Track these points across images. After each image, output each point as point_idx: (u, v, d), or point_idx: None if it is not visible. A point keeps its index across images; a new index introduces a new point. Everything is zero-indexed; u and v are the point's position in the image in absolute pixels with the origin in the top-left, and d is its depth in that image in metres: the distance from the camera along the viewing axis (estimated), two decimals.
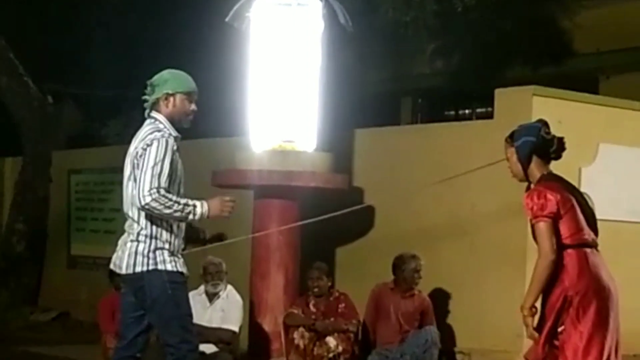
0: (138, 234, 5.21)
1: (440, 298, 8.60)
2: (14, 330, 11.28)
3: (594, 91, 12.12)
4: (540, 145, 5.02)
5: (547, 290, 4.92)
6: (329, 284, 8.29)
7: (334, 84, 9.76)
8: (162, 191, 5.08)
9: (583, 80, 12.91)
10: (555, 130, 8.27)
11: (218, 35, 11.11)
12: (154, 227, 5.22)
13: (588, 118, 8.67)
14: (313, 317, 8.07)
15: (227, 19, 8.66)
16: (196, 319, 8.05)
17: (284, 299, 8.45)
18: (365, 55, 13.73)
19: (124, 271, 5.28)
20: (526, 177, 5.07)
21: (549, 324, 4.87)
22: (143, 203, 5.06)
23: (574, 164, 8.49)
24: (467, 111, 16.45)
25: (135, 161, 5.18)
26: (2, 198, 14.09)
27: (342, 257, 9.44)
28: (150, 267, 5.18)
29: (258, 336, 8.51)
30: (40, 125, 13.36)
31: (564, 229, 4.90)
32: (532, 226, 4.95)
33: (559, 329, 4.87)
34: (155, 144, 5.15)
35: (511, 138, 5.12)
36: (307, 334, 7.92)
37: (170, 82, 5.38)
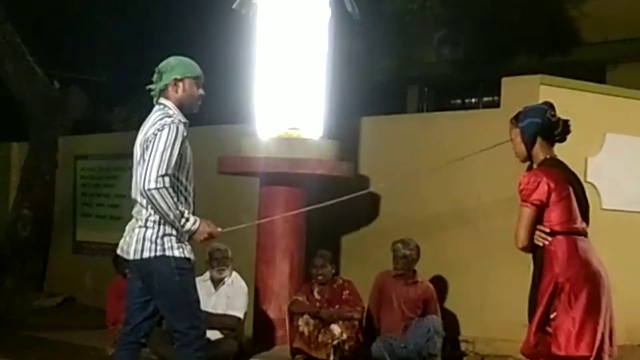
0: (146, 219, 5.22)
1: (445, 286, 8.61)
2: (19, 316, 11.31)
3: (601, 80, 12.10)
4: (546, 127, 5.02)
5: (537, 277, 4.92)
6: (333, 271, 8.31)
7: (341, 71, 9.75)
8: (168, 183, 5.07)
9: (590, 69, 12.87)
10: None
11: (225, 22, 11.10)
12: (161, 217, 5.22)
13: (595, 107, 8.65)
14: (317, 304, 8.09)
15: (234, 6, 8.65)
16: (201, 305, 8.11)
17: (289, 286, 8.46)
18: (372, 43, 13.72)
19: (131, 257, 5.29)
20: (529, 158, 5.07)
21: (540, 310, 4.87)
22: (147, 187, 5.06)
23: (580, 153, 8.48)
24: (473, 100, 16.42)
25: (146, 144, 5.19)
26: (8, 183, 14.10)
27: (347, 245, 9.45)
28: (158, 253, 5.18)
29: (263, 323, 8.52)
30: (46, 110, 13.37)
31: (555, 215, 4.89)
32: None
33: (551, 316, 4.86)
34: (166, 129, 5.15)
35: (516, 119, 5.12)
36: (311, 321, 7.93)
37: (177, 67, 5.39)
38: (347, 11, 8.64)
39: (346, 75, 11.24)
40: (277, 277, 8.51)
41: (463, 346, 8.55)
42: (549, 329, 4.88)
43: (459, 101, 16.87)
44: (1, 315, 11.15)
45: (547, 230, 4.90)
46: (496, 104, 9.00)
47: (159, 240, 5.19)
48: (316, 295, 8.16)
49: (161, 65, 5.43)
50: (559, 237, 4.89)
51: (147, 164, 5.10)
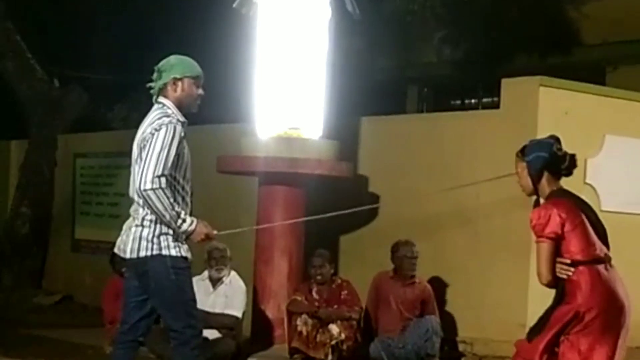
0: (143, 218, 5.21)
1: (444, 287, 8.61)
2: (17, 313, 11.31)
3: (601, 82, 12.09)
4: (552, 161, 5.00)
5: (558, 300, 4.90)
6: (332, 271, 8.30)
7: (341, 71, 9.76)
8: (164, 183, 5.07)
9: (590, 70, 12.88)
10: (561, 121, 8.31)
11: (225, 21, 11.10)
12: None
13: (594, 109, 8.65)
14: (316, 304, 8.09)
15: (234, 5, 8.65)
16: (199, 305, 8.05)
17: (288, 286, 8.46)
18: (372, 43, 13.73)
19: (128, 255, 5.29)
20: (536, 192, 5.05)
21: (552, 332, 4.85)
22: (143, 187, 5.05)
23: (579, 155, 8.37)
24: (473, 101, 16.40)
25: (143, 144, 5.18)
26: (7, 181, 14.10)
27: (345, 245, 9.45)
28: (154, 252, 5.18)
29: (261, 322, 8.52)
30: (46, 108, 13.36)
31: (574, 245, 4.86)
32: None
33: (562, 338, 4.85)
34: (163, 129, 5.14)
35: (522, 153, 5.11)
36: (310, 321, 7.93)
37: (177, 66, 5.38)
38: (347, 11, 8.64)
39: (346, 75, 11.25)
40: (275, 277, 8.51)
41: (461, 347, 8.55)
42: (557, 349, 4.88)
43: (458, 102, 16.86)
44: None
45: (568, 261, 4.87)
46: (496, 105, 9.01)
47: (155, 239, 5.18)
48: (315, 295, 8.16)
49: (161, 64, 5.43)
50: (582, 267, 4.85)
51: (144, 164, 5.09)
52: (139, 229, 5.23)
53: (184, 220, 5.17)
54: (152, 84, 5.42)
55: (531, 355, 4.90)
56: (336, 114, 9.09)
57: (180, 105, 5.35)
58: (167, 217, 5.10)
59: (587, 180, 8.54)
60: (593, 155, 8.59)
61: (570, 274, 4.86)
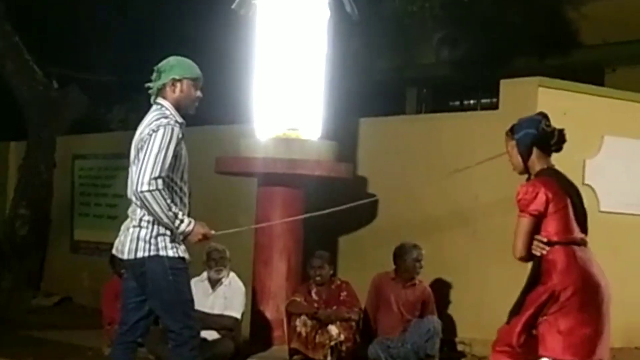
0: (140, 219, 5.21)
1: (442, 288, 8.61)
2: (16, 315, 11.30)
3: (600, 83, 12.10)
4: (541, 137, 5.02)
5: (532, 283, 4.91)
6: (331, 272, 8.30)
7: (340, 72, 9.76)
8: (161, 185, 5.07)
9: (589, 71, 12.89)
10: (560, 122, 8.28)
11: (224, 22, 11.09)
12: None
13: (593, 110, 8.66)
14: (315, 305, 8.09)
15: (233, 6, 8.65)
16: (198, 306, 8.06)
17: (287, 287, 8.46)
18: (371, 44, 13.72)
19: (125, 256, 5.29)
20: (526, 170, 5.07)
21: (528, 312, 4.85)
22: (140, 189, 5.06)
23: (578, 156, 8.48)
24: (472, 102, 16.43)
25: (140, 144, 5.18)
26: (6, 182, 14.10)
27: (344, 246, 9.45)
28: (152, 253, 5.18)
29: (260, 323, 8.52)
30: (44, 109, 13.36)
31: (553, 226, 4.88)
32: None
33: (540, 319, 4.85)
34: (161, 130, 5.14)
35: (512, 131, 5.13)
36: (309, 322, 7.93)
37: (177, 67, 5.38)
38: (346, 12, 8.64)
39: (345, 76, 11.25)
40: (274, 278, 8.51)
41: (460, 347, 8.55)
42: (535, 332, 4.88)
43: (457, 103, 16.88)
44: None
45: (545, 240, 4.88)
46: (495, 106, 9.01)
47: (152, 240, 5.18)
48: (314, 296, 8.16)
49: (160, 64, 5.42)
50: (557, 246, 4.88)
51: (141, 166, 5.09)
52: (137, 229, 5.23)
53: (181, 221, 5.17)
54: (150, 84, 5.42)
55: (509, 339, 4.92)
56: (335, 115, 9.09)
57: (178, 107, 5.35)
58: (164, 218, 5.10)
59: (586, 181, 8.54)
60: (592, 156, 8.60)
61: (545, 252, 4.88)
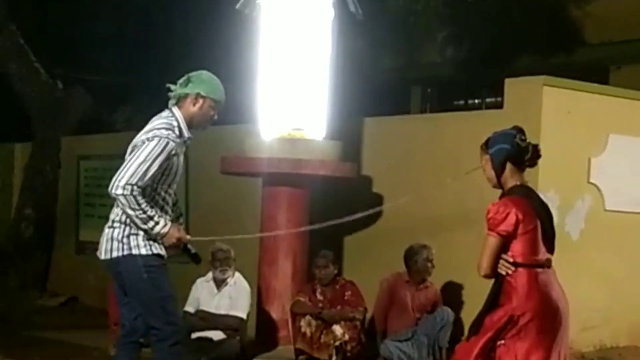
0: (113, 220, 5.28)
1: (448, 287, 8.60)
2: (22, 315, 11.31)
3: (605, 81, 12.08)
4: (515, 152, 4.96)
5: (493, 299, 4.89)
6: (336, 272, 8.30)
7: (344, 72, 9.75)
8: (136, 191, 5.07)
9: (594, 70, 12.87)
10: (565, 121, 8.30)
11: (228, 22, 11.10)
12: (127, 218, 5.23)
13: (598, 108, 8.64)
14: (320, 304, 8.09)
15: (237, 6, 8.66)
16: (204, 306, 8.13)
17: (292, 287, 8.46)
18: (375, 43, 13.71)
19: (102, 256, 5.33)
20: (500, 185, 5.03)
21: (487, 336, 4.84)
22: (113, 191, 5.11)
23: (583, 154, 8.48)
24: (476, 101, 16.41)
25: (133, 147, 5.22)
26: (12, 183, 14.12)
27: (349, 246, 9.44)
28: (125, 252, 5.21)
29: (265, 323, 8.52)
30: (49, 110, 13.38)
31: (519, 247, 4.83)
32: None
33: (498, 342, 4.84)
34: (155, 141, 5.15)
35: (486, 145, 5.09)
36: (314, 322, 7.93)
37: (206, 84, 5.39)
38: (350, 11, 8.64)
39: (349, 76, 11.24)
40: (279, 278, 8.51)
41: None
42: (493, 355, 4.86)
43: (462, 102, 16.87)
44: (4, 314, 11.16)
45: (511, 259, 4.87)
46: (499, 105, 9.00)
47: (125, 239, 5.21)
48: (318, 296, 8.16)
49: (193, 74, 5.43)
50: (520, 269, 4.83)
51: (123, 168, 5.14)
52: (111, 230, 5.28)
53: (156, 223, 5.16)
54: (174, 88, 5.41)
55: (460, 356, 4.90)
56: (340, 115, 9.09)
57: (190, 122, 5.36)
58: (137, 221, 5.12)
59: (591, 180, 8.53)
60: (597, 155, 8.58)
61: (510, 272, 4.84)
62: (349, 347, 7.89)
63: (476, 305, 8.39)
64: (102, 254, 5.32)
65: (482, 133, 8.55)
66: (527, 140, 4.99)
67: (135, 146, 5.22)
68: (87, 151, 13.01)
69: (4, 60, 13.29)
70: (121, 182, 5.09)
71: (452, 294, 8.61)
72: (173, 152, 5.21)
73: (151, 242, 5.23)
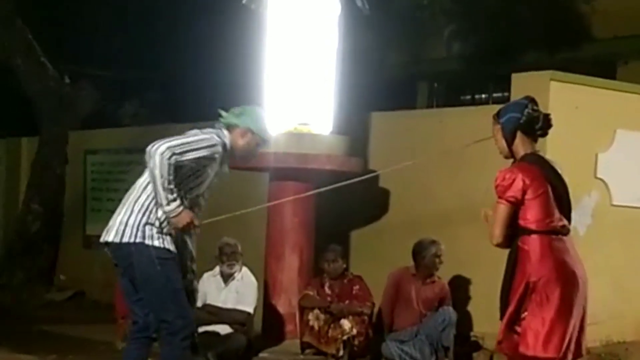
0: (133, 204, 5.23)
1: (455, 282, 8.60)
2: (29, 309, 11.35)
3: (612, 77, 12.07)
4: (526, 121, 4.97)
5: (509, 275, 4.90)
6: (344, 266, 8.31)
7: (351, 66, 9.75)
8: (173, 160, 5.08)
9: (601, 65, 12.86)
10: (572, 116, 8.29)
11: (235, 17, 11.11)
12: (148, 202, 5.22)
13: (605, 104, 8.63)
14: (328, 299, 8.10)
15: (244, 1, 8.66)
16: (211, 300, 8.14)
17: (299, 281, 8.47)
18: (382, 38, 13.72)
19: (111, 238, 5.26)
20: (511, 155, 5.04)
21: (511, 308, 4.84)
22: (152, 149, 5.10)
23: (590, 150, 8.47)
24: (483, 96, 16.40)
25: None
26: (19, 178, 14.13)
27: (356, 241, 9.44)
28: (137, 240, 5.16)
29: (272, 318, 8.54)
30: (56, 105, 13.39)
31: (531, 214, 4.84)
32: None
33: (522, 315, 4.84)
34: (207, 135, 5.23)
35: (498, 115, 5.11)
36: (322, 316, 7.95)
37: (259, 122, 5.46)
38: (357, 6, 8.64)
39: (356, 71, 11.24)
40: (286, 272, 8.53)
41: (473, 341, 8.54)
42: (518, 328, 4.86)
43: (468, 97, 16.85)
44: (11, 309, 11.20)
45: (490, 212, 4.88)
46: (506, 100, 8.96)
47: (140, 227, 5.18)
48: (327, 290, 8.17)
49: (249, 107, 5.54)
50: (534, 236, 4.84)
51: (169, 138, 5.16)
52: (126, 215, 5.24)
53: (174, 199, 5.13)
54: (225, 114, 5.44)
55: (500, 336, 4.91)
56: (346, 110, 9.09)
57: (233, 150, 5.38)
58: (159, 187, 5.07)
59: (598, 175, 8.53)
60: (604, 150, 8.57)
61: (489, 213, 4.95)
62: (356, 342, 7.89)
63: (483, 299, 8.45)
64: (111, 236, 5.26)
65: (488, 128, 8.57)
66: (539, 110, 5.00)
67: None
68: (94, 146, 13.03)
69: (11, 54, 13.31)
70: (163, 146, 5.11)
71: (459, 288, 8.61)
72: (216, 155, 5.23)
73: (163, 236, 5.21)
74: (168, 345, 5.22)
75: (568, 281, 4.80)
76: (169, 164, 5.07)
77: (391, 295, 8.16)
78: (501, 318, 4.91)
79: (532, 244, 4.82)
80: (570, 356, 4.82)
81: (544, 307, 4.76)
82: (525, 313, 4.81)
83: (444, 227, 8.67)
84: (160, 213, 5.18)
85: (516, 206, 4.84)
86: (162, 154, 5.08)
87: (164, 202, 5.11)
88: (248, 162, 5.57)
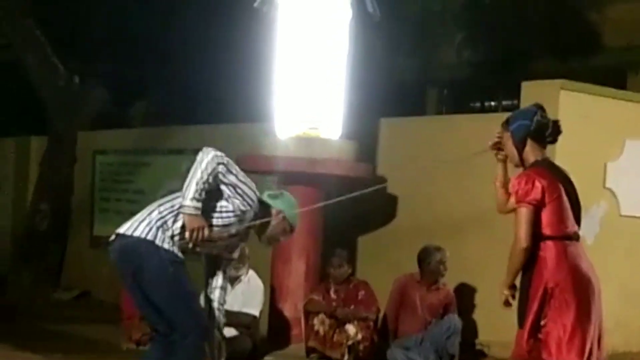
0: (158, 206, 5.24)
1: (461, 289, 8.60)
2: (36, 308, 11.37)
3: (622, 86, 12.05)
4: (536, 128, 4.99)
5: (526, 283, 4.90)
6: (350, 271, 8.31)
7: (360, 72, 9.75)
8: (220, 168, 5.07)
9: (611, 74, 12.83)
10: (581, 125, 8.28)
11: (246, 19, 11.12)
12: (167, 212, 5.21)
13: (615, 113, 8.62)
14: (333, 303, 8.10)
15: (255, 4, 8.67)
16: None
17: (305, 285, 8.47)
18: (392, 44, 13.71)
19: (122, 230, 5.25)
20: (521, 162, 5.05)
21: (531, 316, 4.84)
22: (212, 149, 5.12)
23: (599, 159, 8.46)
24: (492, 103, 16.38)
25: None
26: (27, 177, 14.16)
27: (363, 246, 9.45)
28: (149, 238, 5.12)
29: (278, 321, 8.54)
30: (66, 105, 13.40)
31: (545, 217, 4.86)
32: (515, 209, 4.95)
33: (542, 322, 4.84)
34: (251, 192, 5.22)
35: (507, 122, 5.12)
36: (327, 321, 7.95)
37: (292, 209, 5.46)
38: (367, 11, 8.64)
39: (366, 76, 11.24)
40: (293, 276, 8.53)
41: (479, 349, 8.53)
42: (541, 336, 4.86)
43: (478, 104, 16.84)
44: (18, 307, 11.21)
45: (507, 292, 4.97)
46: (516, 108, 8.96)
47: (153, 228, 5.14)
48: (332, 295, 8.17)
49: (286, 193, 5.56)
50: (549, 242, 4.85)
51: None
52: (143, 215, 5.23)
53: (198, 200, 5.10)
54: (270, 193, 5.49)
55: (519, 347, 4.90)
56: (356, 115, 9.09)
57: (261, 229, 5.38)
58: (194, 179, 5.05)
59: (607, 185, 8.51)
60: (613, 160, 8.56)
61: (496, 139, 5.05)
62: (361, 347, 7.89)
63: (489, 307, 8.44)
64: (123, 229, 5.25)
65: None
66: (548, 117, 5.01)
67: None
68: (102, 146, 13.05)
69: (21, 53, 13.34)
70: (220, 153, 5.12)
71: (464, 294, 8.61)
72: (248, 209, 5.22)
73: (174, 244, 5.17)
74: (182, 348, 5.17)
75: (585, 286, 4.83)
76: (214, 166, 5.07)
77: (396, 300, 8.16)
78: (520, 325, 4.91)
79: (548, 250, 4.85)
80: None
81: (564, 312, 4.77)
82: (546, 319, 4.81)
83: (451, 233, 8.67)
84: (177, 224, 5.17)
85: (537, 209, 4.84)
86: (216, 155, 5.09)
87: (189, 195, 5.08)
88: (270, 244, 5.58)
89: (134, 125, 14.86)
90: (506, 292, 4.96)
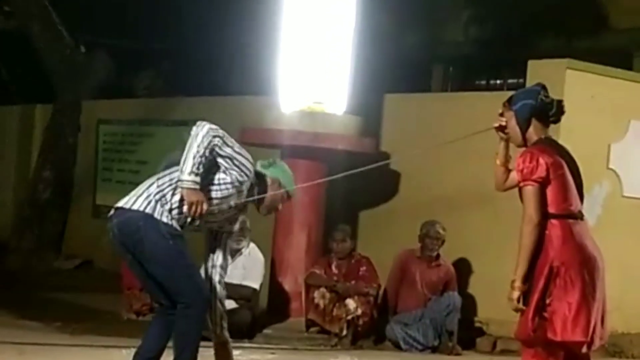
0: (156, 180, 5.23)
1: (462, 266, 8.61)
2: (37, 276, 11.41)
3: (628, 67, 12.00)
4: (539, 108, 4.96)
5: (532, 262, 4.89)
6: (352, 246, 8.32)
7: (367, 47, 9.73)
8: (215, 141, 5.04)
9: (617, 55, 12.78)
10: (587, 105, 8.25)
11: None
12: (166, 185, 5.20)
13: (620, 94, 8.59)
14: (335, 278, 8.12)
15: None
16: None
17: (306, 259, 8.48)
18: (399, 20, 13.67)
19: (121, 203, 5.24)
20: (524, 142, 5.03)
21: (537, 295, 4.82)
22: (207, 122, 5.09)
23: (603, 140, 8.44)
24: (498, 81, 16.32)
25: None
26: (31, 145, 14.17)
27: (365, 221, 9.45)
28: (147, 211, 5.10)
29: (278, 295, 8.56)
30: (71, 74, 13.40)
31: (550, 195, 4.84)
32: (520, 189, 4.93)
33: (547, 301, 4.83)
34: (248, 162, 5.18)
35: (509, 102, 5.09)
36: (327, 295, 7.97)
37: (287, 177, 5.42)
38: None
39: (372, 51, 11.21)
40: (294, 250, 8.54)
41: (477, 326, 8.55)
42: (545, 314, 4.86)
43: (483, 82, 16.78)
44: (19, 275, 11.25)
45: (504, 121, 4.95)
46: (521, 86, 8.94)
47: (152, 201, 5.12)
48: (334, 269, 8.19)
49: (278, 160, 5.54)
50: (553, 220, 4.83)
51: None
52: (141, 189, 5.23)
53: (196, 174, 5.07)
54: (266, 163, 5.42)
55: (524, 326, 4.89)
56: (361, 90, 9.07)
57: (259, 200, 5.37)
58: (190, 154, 5.01)
59: (610, 166, 8.50)
60: (617, 141, 8.55)
61: (503, 123, 4.98)
62: (360, 322, 7.92)
63: (489, 285, 8.45)
64: (122, 202, 5.24)
65: None
66: (551, 97, 4.99)
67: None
68: (107, 115, 13.04)
69: (28, 22, 13.31)
70: (215, 126, 5.08)
71: (465, 272, 8.62)
72: (245, 180, 5.19)
73: (173, 218, 5.15)
74: (184, 318, 5.16)
75: (590, 265, 4.82)
76: (210, 140, 5.04)
77: (396, 276, 8.19)
78: (525, 304, 4.89)
79: (553, 229, 4.83)
80: (597, 341, 4.84)
81: (569, 291, 4.76)
82: (551, 298, 4.80)
83: (454, 210, 8.68)
84: (176, 198, 5.16)
85: (543, 187, 4.83)
86: (211, 128, 5.06)
87: (187, 169, 5.05)
88: (269, 213, 5.55)
89: (139, 95, 14.84)
90: (521, 285, 4.78)
